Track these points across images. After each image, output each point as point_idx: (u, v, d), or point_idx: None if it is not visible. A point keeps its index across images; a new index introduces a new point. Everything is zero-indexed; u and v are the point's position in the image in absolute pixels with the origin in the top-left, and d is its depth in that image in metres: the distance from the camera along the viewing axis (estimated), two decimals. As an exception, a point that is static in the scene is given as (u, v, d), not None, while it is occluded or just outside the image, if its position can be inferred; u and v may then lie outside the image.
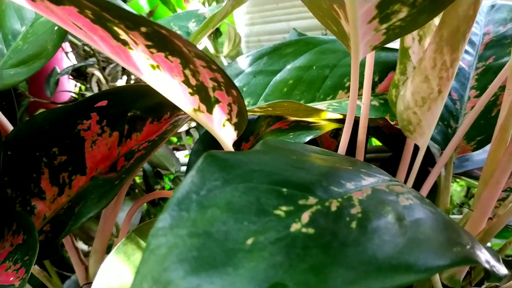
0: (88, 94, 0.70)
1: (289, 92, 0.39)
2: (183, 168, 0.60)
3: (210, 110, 0.26)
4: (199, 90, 0.25)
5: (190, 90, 0.25)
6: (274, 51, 0.40)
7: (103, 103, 0.35)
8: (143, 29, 0.20)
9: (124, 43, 0.23)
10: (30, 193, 0.38)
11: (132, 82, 0.61)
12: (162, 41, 0.21)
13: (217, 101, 0.25)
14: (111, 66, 0.65)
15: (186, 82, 0.24)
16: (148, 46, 0.22)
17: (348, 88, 0.40)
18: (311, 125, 0.34)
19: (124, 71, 0.69)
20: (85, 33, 0.24)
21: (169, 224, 0.15)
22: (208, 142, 0.40)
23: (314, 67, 0.40)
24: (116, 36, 0.22)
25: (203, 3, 0.75)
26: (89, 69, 0.62)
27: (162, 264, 0.14)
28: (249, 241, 0.15)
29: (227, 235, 0.15)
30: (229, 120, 0.26)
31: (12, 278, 0.27)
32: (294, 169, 0.19)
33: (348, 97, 0.42)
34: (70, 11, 0.21)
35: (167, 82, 0.25)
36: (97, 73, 0.61)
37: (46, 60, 0.30)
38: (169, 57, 0.23)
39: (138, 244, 0.24)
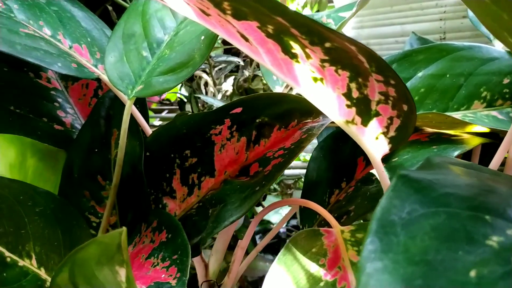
0: (183, 94, 0.73)
1: (420, 101, 0.37)
2: (286, 172, 0.60)
3: (365, 123, 0.25)
4: (359, 103, 0.24)
5: (348, 103, 0.25)
6: (404, 57, 0.39)
7: (238, 110, 0.36)
8: (327, 45, 0.20)
9: (293, 56, 0.23)
10: (162, 192, 0.40)
11: (239, 85, 0.63)
12: (340, 56, 0.21)
13: (377, 114, 0.25)
14: (216, 69, 0.67)
15: (347, 95, 0.24)
16: (322, 61, 0.22)
17: (484, 98, 0.37)
18: (452, 138, 0.32)
19: (226, 75, 0.71)
20: (249, 45, 0.25)
21: (380, 248, 0.15)
22: (328, 149, 0.40)
23: (448, 75, 0.38)
24: (286, 50, 0.23)
25: (303, 7, 0.75)
26: (197, 72, 0.65)
27: (387, 291, 0.14)
28: (473, 274, 0.14)
29: (445, 265, 0.15)
30: (385, 133, 0.26)
31: (163, 276, 0.29)
32: (485, 192, 0.18)
33: (484, 107, 0.40)
34: (248, 25, 0.22)
35: (325, 94, 0.25)
36: (205, 76, 0.64)
37: (194, 69, 0.32)
38: (339, 70, 0.23)
39: (294, 255, 0.24)
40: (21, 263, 0.31)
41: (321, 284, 0.24)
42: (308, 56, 0.22)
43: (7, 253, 0.30)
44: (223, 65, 0.68)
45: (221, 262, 0.42)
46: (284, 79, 0.26)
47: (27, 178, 0.32)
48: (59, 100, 0.42)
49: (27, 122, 0.39)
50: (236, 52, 0.71)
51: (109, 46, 0.37)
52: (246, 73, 0.62)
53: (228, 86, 0.65)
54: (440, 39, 0.55)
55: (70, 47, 0.36)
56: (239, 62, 0.59)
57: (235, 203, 0.32)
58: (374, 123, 0.25)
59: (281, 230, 1.01)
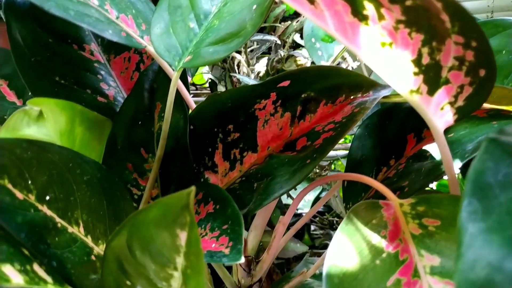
0: (210, 76, 0.72)
1: (473, 78, 0.36)
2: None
3: (431, 92, 0.24)
4: (428, 70, 0.23)
5: (416, 70, 0.24)
6: (457, 33, 0.37)
7: (286, 83, 0.35)
8: (408, 3, 0.19)
9: (363, 18, 0.22)
10: (204, 166, 0.40)
11: (272, 66, 0.62)
12: (419, 16, 0.20)
13: (446, 82, 0.24)
14: (248, 49, 0.67)
15: (416, 61, 0.23)
16: (397, 22, 0.21)
17: (542, 76, 0.36)
18: (512, 114, 0.31)
19: (258, 57, 0.70)
20: (314, 9, 0.24)
21: (481, 209, 0.14)
22: (374, 127, 0.39)
23: (504, 52, 0.36)
24: (357, 11, 0.22)
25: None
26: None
27: (496, 249, 0.13)
28: None
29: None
30: (452, 103, 0.24)
31: (214, 245, 0.29)
32: None
33: (541, 86, 0.38)
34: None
35: (391, 61, 0.24)
36: (238, 56, 0.63)
37: (245, 39, 0.31)
38: (413, 33, 0.22)
39: (356, 226, 0.24)
40: (70, 229, 0.31)
41: (383, 255, 0.23)
42: (381, 17, 0.21)
43: (57, 219, 0.30)
44: (256, 45, 0.67)
45: (260, 239, 0.42)
46: (347, 44, 0.25)
47: (75, 147, 0.32)
48: (102, 73, 0.41)
49: (72, 93, 0.39)
50: (268, 33, 0.70)
51: (155, 18, 0.37)
52: (281, 53, 0.61)
53: (260, 67, 0.64)
54: (487, 18, 0.53)
55: (117, 17, 0.36)
56: (275, 41, 0.58)
57: (284, 176, 0.31)
58: (441, 92, 0.24)
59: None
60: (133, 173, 0.39)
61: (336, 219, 0.95)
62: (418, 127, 0.35)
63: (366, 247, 0.23)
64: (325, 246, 0.78)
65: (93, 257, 0.31)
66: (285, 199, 0.65)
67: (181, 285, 0.25)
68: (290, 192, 0.69)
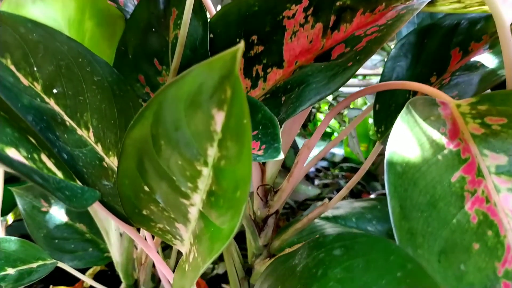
0: None
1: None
2: (342, 89, 0.56)
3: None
4: None
5: None
6: None
7: (322, -17, 0.31)
8: None
9: None
10: (223, 83, 0.36)
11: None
12: None
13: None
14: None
15: None
16: None
17: None
18: None
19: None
20: None
21: None
22: (411, 46, 0.36)
23: None
24: None
25: None
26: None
27: None
28: None
29: None
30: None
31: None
32: None
33: None
34: None
35: None
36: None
37: None
38: None
39: (415, 118, 0.21)
40: (79, 132, 0.28)
41: (445, 152, 0.21)
42: None
43: (66, 117, 0.27)
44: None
45: (279, 167, 0.39)
46: None
47: (84, 43, 0.28)
48: (111, -25, 0.37)
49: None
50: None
51: None
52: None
53: None
54: None
55: None
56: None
57: (322, 81, 0.28)
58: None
59: (311, 169, 0.98)
60: (145, 87, 0.35)
61: (341, 173, 0.93)
62: (463, 40, 0.32)
63: (426, 141, 0.20)
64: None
65: (104, 164, 0.28)
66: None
67: (211, 184, 0.22)
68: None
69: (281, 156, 0.22)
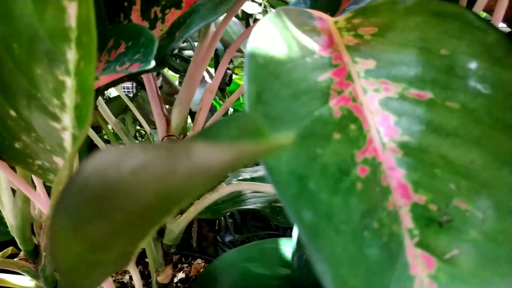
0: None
1: None
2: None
3: None
4: None
5: None
6: None
7: None
8: None
9: None
10: (119, 25, 0.34)
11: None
12: None
13: None
14: None
15: None
16: None
17: None
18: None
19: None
20: None
21: None
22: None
23: None
24: None
25: None
26: None
27: None
28: None
29: None
30: None
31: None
32: None
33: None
34: None
35: None
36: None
37: None
38: None
39: (285, 23, 0.20)
40: None
41: (316, 56, 0.21)
42: None
43: None
44: None
45: (186, 115, 0.38)
46: None
47: None
48: None
49: None
50: None
51: None
52: None
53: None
54: None
55: None
56: None
57: (210, 8, 0.27)
58: None
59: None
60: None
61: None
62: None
63: (296, 44, 0.20)
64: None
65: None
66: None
67: (76, 98, 0.20)
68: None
69: (152, 64, 0.21)
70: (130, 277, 0.59)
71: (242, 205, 0.48)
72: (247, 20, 0.73)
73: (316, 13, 0.24)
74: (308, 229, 0.14)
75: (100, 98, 0.46)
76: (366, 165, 0.18)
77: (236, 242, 0.74)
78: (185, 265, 0.57)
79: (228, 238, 0.75)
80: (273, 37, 0.19)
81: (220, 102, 0.80)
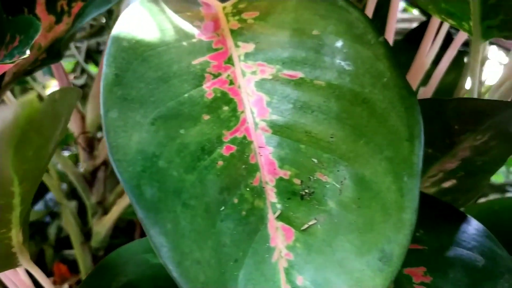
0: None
1: None
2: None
3: None
4: None
5: None
6: None
7: None
8: None
9: None
10: (23, 20, 0.33)
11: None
12: None
13: None
14: None
15: None
16: None
17: None
18: None
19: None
20: None
21: None
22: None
23: None
24: None
25: None
26: None
27: None
28: None
29: None
30: None
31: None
32: None
33: None
34: None
35: None
36: None
37: None
38: None
39: (163, 9, 0.20)
40: None
41: (194, 40, 0.21)
42: None
43: None
44: None
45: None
46: None
47: None
48: None
49: None
50: None
51: None
52: None
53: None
54: None
55: None
56: None
57: (104, -2, 0.27)
58: None
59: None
60: None
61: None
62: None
63: (172, 28, 0.20)
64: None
65: None
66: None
67: None
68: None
69: (26, 54, 0.20)
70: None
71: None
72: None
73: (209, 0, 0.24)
74: (148, 204, 0.14)
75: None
76: (234, 145, 0.18)
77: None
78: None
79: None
80: (144, 21, 0.19)
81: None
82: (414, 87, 0.35)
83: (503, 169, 0.88)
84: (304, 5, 0.21)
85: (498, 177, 0.85)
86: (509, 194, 0.87)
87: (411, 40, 0.43)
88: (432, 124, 0.21)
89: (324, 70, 0.19)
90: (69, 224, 0.43)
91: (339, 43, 0.19)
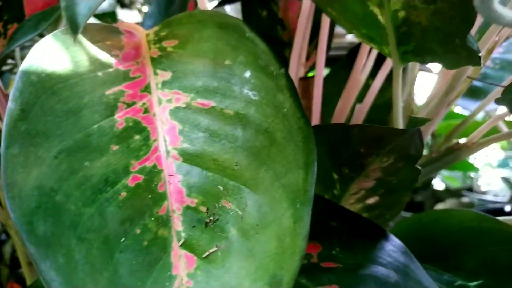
0: None
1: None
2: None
3: None
4: None
5: None
6: None
7: None
8: None
9: None
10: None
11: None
12: None
13: None
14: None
15: None
16: None
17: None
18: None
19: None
20: None
21: None
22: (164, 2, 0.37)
23: None
24: None
25: None
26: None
27: None
28: None
29: None
30: None
31: None
32: None
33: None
34: None
35: None
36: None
37: None
38: None
39: (79, 40, 0.21)
40: None
41: (110, 70, 0.21)
42: None
43: None
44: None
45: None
46: None
47: None
48: None
49: None
50: None
51: None
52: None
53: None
54: None
55: None
56: None
57: (32, 25, 0.27)
58: None
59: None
60: None
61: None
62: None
63: (86, 59, 0.21)
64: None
65: None
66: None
67: None
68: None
69: None
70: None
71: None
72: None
73: (127, 26, 0.24)
74: (39, 239, 0.14)
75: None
76: (141, 174, 0.18)
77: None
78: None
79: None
80: (56, 54, 0.20)
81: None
82: (350, 103, 0.36)
83: (459, 174, 0.91)
84: (218, 35, 0.22)
85: (454, 182, 0.88)
86: (465, 199, 0.90)
87: (353, 56, 0.44)
88: (343, 147, 0.22)
89: (233, 99, 0.20)
90: (17, 244, 0.42)
91: (247, 74, 0.20)
